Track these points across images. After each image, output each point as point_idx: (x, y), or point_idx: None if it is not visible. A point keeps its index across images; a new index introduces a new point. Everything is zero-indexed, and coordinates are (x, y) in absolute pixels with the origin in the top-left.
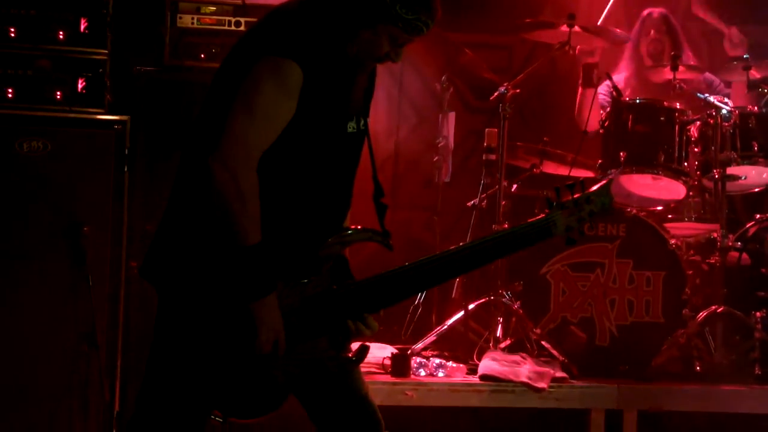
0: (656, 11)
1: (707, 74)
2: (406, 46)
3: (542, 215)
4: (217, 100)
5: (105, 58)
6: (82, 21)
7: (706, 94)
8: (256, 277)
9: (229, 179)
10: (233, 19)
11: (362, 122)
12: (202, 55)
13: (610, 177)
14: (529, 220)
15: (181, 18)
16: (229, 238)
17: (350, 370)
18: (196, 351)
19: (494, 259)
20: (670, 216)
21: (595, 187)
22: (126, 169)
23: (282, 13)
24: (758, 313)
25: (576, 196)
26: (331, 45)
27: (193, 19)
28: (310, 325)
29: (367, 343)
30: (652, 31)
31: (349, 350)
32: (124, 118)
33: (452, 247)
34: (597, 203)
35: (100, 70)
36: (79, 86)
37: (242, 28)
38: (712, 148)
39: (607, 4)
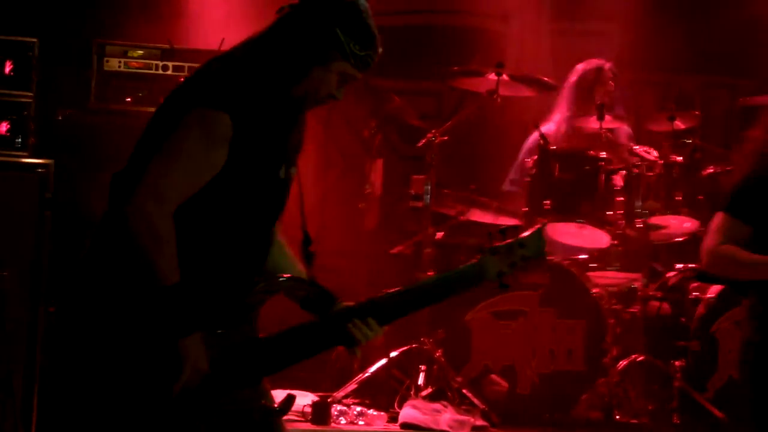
0: (608, 64)
1: (626, 126)
2: None
3: (474, 260)
4: (146, 149)
5: (30, 101)
6: (8, 63)
7: (632, 144)
8: (179, 316)
9: (143, 224)
10: (161, 63)
11: (292, 169)
12: (129, 99)
13: (544, 221)
14: (460, 266)
15: (107, 61)
16: (150, 280)
17: (275, 421)
18: (111, 395)
19: (424, 306)
20: (593, 264)
21: (527, 232)
22: (48, 213)
23: (221, 61)
24: (677, 363)
25: (508, 240)
26: (271, 92)
27: (120, 62)
28: (234, 374)
29: (293, 393)
30: (611, 83)
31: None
32: (48, 161)
33: (379, 295)
34: (530, 248)
35: (25, 112)
36: (3, 129)
37: (170, 72)
38: (637, 197)
39: (536, 53)
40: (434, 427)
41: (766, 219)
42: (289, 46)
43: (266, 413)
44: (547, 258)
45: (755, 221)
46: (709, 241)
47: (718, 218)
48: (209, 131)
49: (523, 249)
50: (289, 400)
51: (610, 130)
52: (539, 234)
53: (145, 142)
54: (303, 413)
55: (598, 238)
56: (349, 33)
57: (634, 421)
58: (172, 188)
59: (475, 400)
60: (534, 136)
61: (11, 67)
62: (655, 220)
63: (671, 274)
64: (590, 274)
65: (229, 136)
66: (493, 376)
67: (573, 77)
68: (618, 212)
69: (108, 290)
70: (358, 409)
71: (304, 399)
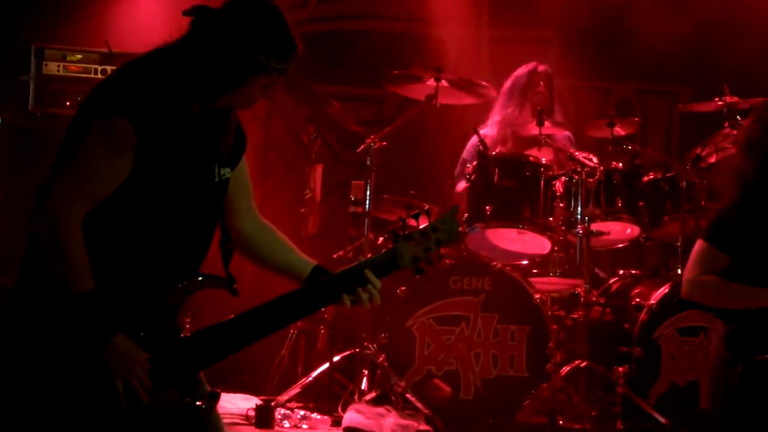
0: (542, 66)
1: (567, 132)
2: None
3: (389, 247)
4: (60, 158)
5: None
6: None
7: (572, 150)
8: (96, 323)
9: (49, 232)
10: (99, 68)
11: (225, 170)
12: (68, 103)
13: (455, 205)
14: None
15: (47, 65)
16: (63, 288)
17: (204, 418)
18: (47, 409)
19: (340, 295)
20: (535, 270)
21: (440, 216)
22: None
23: (131, 67)
24: (620, 368)
25: (422, 225)
26: (186, 104)
27: (59, 66)
28: (159, 376)
29: (218, 390)
30: (542, 84)
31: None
32: None
33: (298, 288)
34: (443, 231)
35: None
36: None
37: None
38: (577, 203)
39: (476, 59)
40: (377, 431)
41: (745, 249)
42: (206, 71)
43: (193, 411)
44: (460, 239)
45: (735, 251)
46: (690, 272)
47: (699, 246)
48: (111, 139)
49: (436, 233)
50: (213, 395)
51: (549, 136)
52: (451, 217)
53: (61, 150)
54: (247, 417)
55: (539, 244)
56: (267, 51)
57: (578, 426)
58: (76, 195)
59: (419, 405)
60: (473, 141)
61: None
62: (595, 226)
63: (613, 280)
64: (532, 279)
65: (133, 142)
66: (437, 381)
67: (508, 81)
68: (559, 218)
69: (34, 303)
70: (302, 412)
71: (248, 403)
